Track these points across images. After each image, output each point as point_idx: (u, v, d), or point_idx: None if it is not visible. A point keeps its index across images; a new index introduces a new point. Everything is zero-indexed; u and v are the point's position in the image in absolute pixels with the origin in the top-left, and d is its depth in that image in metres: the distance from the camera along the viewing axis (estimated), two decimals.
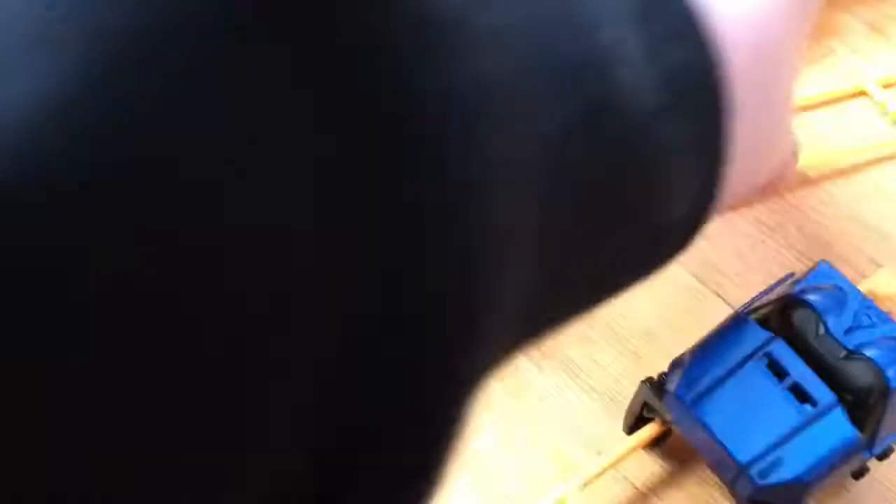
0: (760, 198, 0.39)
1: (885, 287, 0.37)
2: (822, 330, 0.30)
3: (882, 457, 0.32)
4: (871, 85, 0.44)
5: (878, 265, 0.39)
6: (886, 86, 0.44)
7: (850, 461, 0.29)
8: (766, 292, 0.33)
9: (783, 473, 0.28)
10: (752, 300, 0.32)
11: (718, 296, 0.38)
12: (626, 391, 0.33)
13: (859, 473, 0.32)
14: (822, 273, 0.31)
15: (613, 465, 0.31)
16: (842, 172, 0.43)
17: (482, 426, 0.34)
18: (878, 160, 0.43)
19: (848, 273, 0.39)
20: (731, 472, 0.28)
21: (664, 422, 0.31)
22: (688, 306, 0.38)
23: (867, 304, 0.30)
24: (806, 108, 0.45)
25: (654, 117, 0.16)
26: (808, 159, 0.41)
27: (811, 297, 0.30)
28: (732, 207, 0.25)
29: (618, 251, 0.17)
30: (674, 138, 0.16)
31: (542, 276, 0.15)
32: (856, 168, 0.43)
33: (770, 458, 0.28)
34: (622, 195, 0.16)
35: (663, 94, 0.16)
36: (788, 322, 0.30)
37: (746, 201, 0.38)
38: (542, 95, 0.15)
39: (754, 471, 0.28)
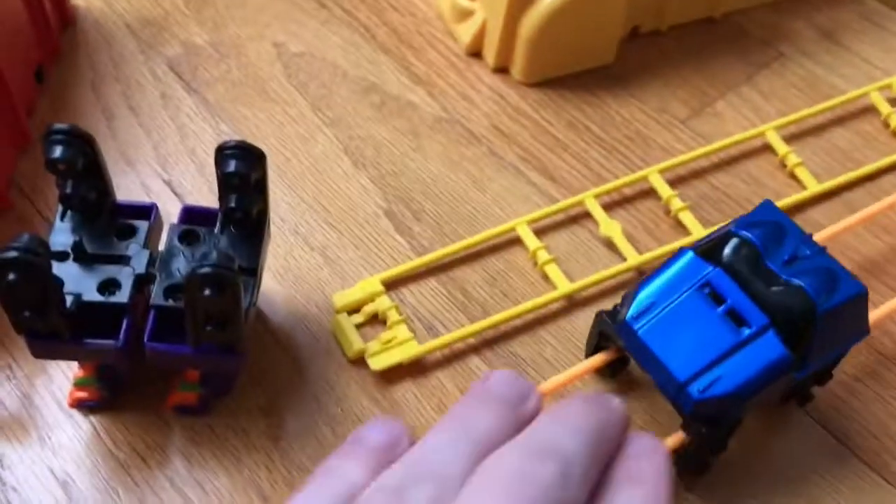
0: None
1: None
2: (759, 261, 0.32)
3: (821, 381, 0.35)
4: (771, 131, 0.45)
5: None
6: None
7: (782, 379, 0.31)
8: (716, 232, 0.34)
9: (719, 388, 0.30)
10: (702, 238, 0.34)
11: None
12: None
13: (805, 399, 0.35)
14: (765, 210, 0.34)
15: (571, 381, 0.33)
16: None
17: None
18: None
19: None
20: (674, 389, 0.30)
21: (618, 349, 0.33)
22: None
23: (804, 239, 0.33)
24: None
25: None
26: None
27: (751, 232, 0.32)
28: None
29: None
30: None
31: None
32: None
33: (708, 376, 0.30)
34: None
35: None
36: (728, 254, 0.32)
37: None
38: None
39: (693, 387, 0.30)
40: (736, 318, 0.31)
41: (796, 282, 0.31)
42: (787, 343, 0.30)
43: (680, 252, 0.33)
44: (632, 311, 0.31)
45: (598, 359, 0.34)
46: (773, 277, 0.31)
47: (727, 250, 0.32)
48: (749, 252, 0.32)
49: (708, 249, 0.33)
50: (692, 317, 0.31)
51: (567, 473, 0.24)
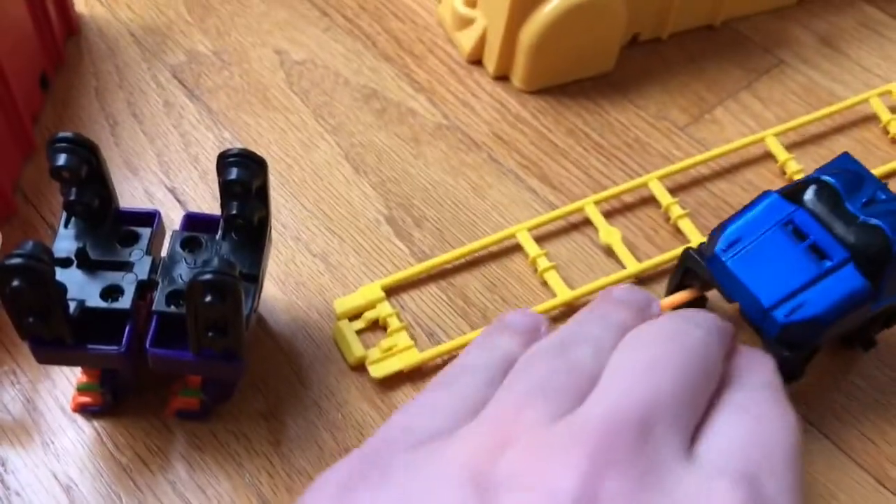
0: None
1: None
2: (839, 203, 0.34)
3: (889, 324, 0.37)
4: (771, 137, 0.45)
5: None
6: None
7: (860, 310, 0.33)
8: (797, 181, 0.36)
9: (803, 313, 0.32)
10: (785, 186, 0.36)
11: None
12: None
13: (868, 344, 0.37)
14: (843, 160, 0.36)
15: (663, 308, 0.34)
16: None
17: None
18: None
19: None
20: (759, 315, 0.33)
21: (700, 288, 0.36)
22: None
23: (881, 186, 0.35)
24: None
25: None
26: None
27: (831, 177, 0.34)
28: None
29: None
30: None
31: None
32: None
33: (793, 302, 0.32)
34: None
35: None
36: (810, 197, 0.34)
37: None
38: None
39: (779, 312, 0.32)
40: (818, 253, 0.33)
41: (874, 221, 0.33)
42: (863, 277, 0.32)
43: (763, 195, 0.34)
44: (720, 244, 0.34)
45: (681, 295, 0.35)
46: (852, 218, 0.33)
47: (808, 194, 0.34)
48: (830, 194, 0.34)
49: (789, 193, 0.35)
50: (777, 250, 0.33)
51: (709, 341, 0.27)
